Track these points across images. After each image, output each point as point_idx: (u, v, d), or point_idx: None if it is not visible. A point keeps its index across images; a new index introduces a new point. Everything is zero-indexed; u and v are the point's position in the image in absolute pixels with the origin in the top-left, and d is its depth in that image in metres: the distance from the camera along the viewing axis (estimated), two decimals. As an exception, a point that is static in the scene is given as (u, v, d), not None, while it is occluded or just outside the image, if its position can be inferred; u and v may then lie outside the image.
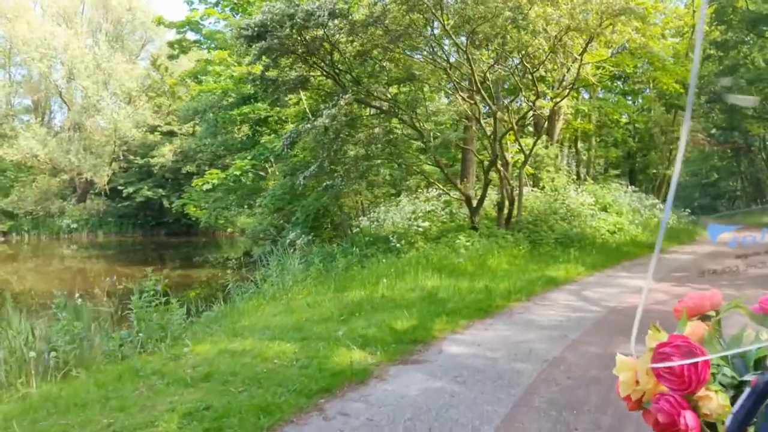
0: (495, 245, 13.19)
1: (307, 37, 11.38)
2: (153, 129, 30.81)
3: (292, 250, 12.05)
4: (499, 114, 13.97)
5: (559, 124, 22.68)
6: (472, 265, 11.14)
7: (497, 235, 13.83)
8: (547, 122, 22.66)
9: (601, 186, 19.03)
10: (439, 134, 13.58)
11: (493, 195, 15.38)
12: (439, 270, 10.59)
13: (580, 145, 27.28)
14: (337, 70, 12.03)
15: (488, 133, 13.98)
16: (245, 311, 8.40)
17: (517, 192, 15.13)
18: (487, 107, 15.68)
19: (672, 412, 0.82)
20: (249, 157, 17.97)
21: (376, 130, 12.33)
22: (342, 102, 10.78)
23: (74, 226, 32.00)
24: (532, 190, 17.04)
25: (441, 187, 14.37)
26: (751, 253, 0.94)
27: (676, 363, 0.81)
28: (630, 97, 34.63)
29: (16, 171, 32.32)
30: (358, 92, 11.39)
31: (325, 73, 12.29)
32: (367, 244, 13.11)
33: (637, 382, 0.90)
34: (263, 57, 11.59)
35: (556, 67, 17.50)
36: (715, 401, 0.81)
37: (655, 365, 0.85)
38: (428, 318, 6.62)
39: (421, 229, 12.73)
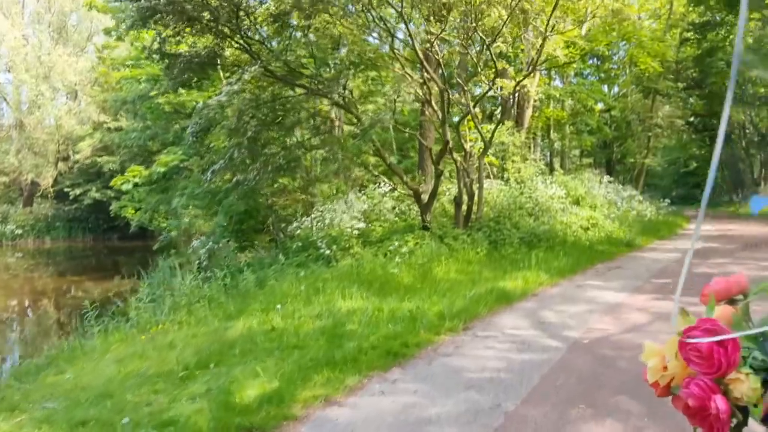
0: (446, 249, 11.05)
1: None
2: (99, 125, 28.24)
3: (199, 262, 9.81)
4: (451, 94, 11.81)
5: (529, 111, 20.59)
6: (412, 276, 8.98)
7: (452, 235, 11.69)
8: (516, 108, 20.65)
9: (573, 177, 16.94)
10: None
11: (454, 189, 13.26)
12: (368, 284, 8.42)
13: (553, 134, 25.24)
14: (249, 41, 9.77)
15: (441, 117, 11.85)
16: (90, 352, 6.16)
17: (478, 185, 13.02)
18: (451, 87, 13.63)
19: (702, 396, 0.79)
20: (179, 152, 15.65)
21: (302, 113, 10.09)
22: (246, 76, 8.55)
23: (19, 232, 29.37)
24: (496, 183, 14.92)
25: (387, 180, 12.19)
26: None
27: (704, 340, 0.78)
28: (606, 86, 32.77)
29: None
30: (268, 64, 9.12)
31: (237, 45, 10.03)
32: (296, 251, 10.91)
33: (665, 368, 0.87)
34: (156, 24, 9.32)
35: (518, 41, 15.40)
36: (746, 384, 0.78)
37: (686, 340, 0.82)
38: (299, 376, 4.42)
39: (356, 232, 10.54)
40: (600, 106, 30.91)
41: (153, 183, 15.32)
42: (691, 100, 30.03)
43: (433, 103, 11.75)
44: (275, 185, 11.94)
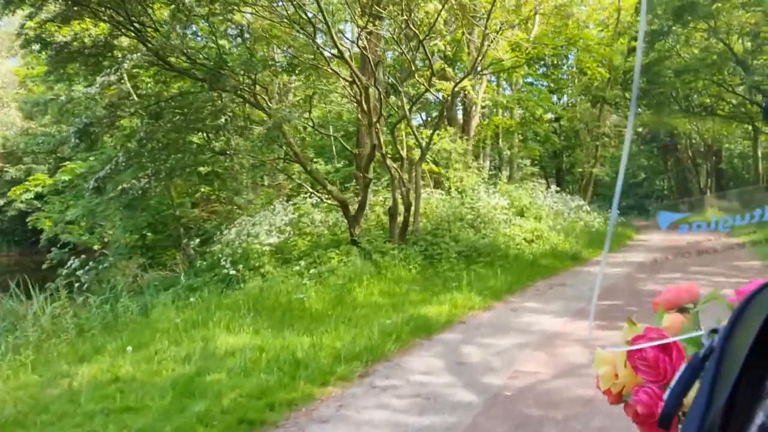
0: (374, 266, 9.80)
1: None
2: (24, 131, 26.00)
3: (80, 284, 8.28)
4: (382, 95, 10.59)
5: (476, 118, 19.61)
6: (324, 301, 7.66)
7: (382, 251, 10.44)
8: (462, 116, 19.64)
9: (518, 186, 15.93)
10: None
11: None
12: (269, 312, 7.08)
13: (501, 143, 24.36)
14: (141, 27, 8.33)
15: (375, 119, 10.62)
16: None
17: (415, 195, 11.82)
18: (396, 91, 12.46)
19: (650, 403, 0.80)
20: (91, 158, 14.00)
21: (206, 111, 8.67)
22: (126, 65, 7.14)
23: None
24: (436, 193, 13.76)
25: (311, 189, 10.88)
26: (702, 240, 0.96)
27: (646, 345, 0.81)
28: (555, 95, 32.25)
29: None
30: (159, 51, 7.67)
31: (131, 32, 8.57)
32: (202, 271, 9.49)
33: (617, 376, 0.88)
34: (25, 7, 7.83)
35: (463, 44, 14.35)
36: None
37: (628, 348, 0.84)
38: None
39: (267, 248, 9.17)
40: (550, 116, 30.39)
41: (59, 193, 13.61)
42: (639, 110, 29.64)
43: (363, 104, 10.51)
44: (193, 194, 10.45)
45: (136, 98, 9.52)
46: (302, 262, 9.62)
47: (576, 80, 27.61)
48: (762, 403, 0.54)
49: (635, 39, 26.73)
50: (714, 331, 0.73)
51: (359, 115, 11.36)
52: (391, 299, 8.11)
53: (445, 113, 14.10)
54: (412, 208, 11.66)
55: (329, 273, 9.04)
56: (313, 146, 17.14)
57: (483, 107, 22.82)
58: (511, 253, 12.04)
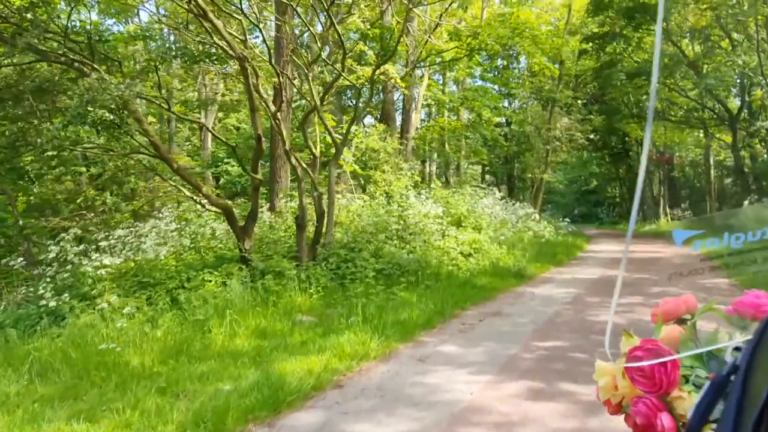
0: (262, 292, 7.52)
1: None
2: None
3: None
4: (290, 78, 8.34)
5: (416, 116, 17.56)
6: (154, 352, 5.33)
7: (279, 270, 8.18)
8: (402, 114, 17.59)
9: (454, 191, 13.84)
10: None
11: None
12: (68, 370, 4.74)
13: (447, 146, 22.40)
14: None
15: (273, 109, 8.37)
16: None
17: (328, 201, 9.62)
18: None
19: (649, 414, 0.82)
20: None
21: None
22: None
23: None
24: (358, 199, 11.57)
25: (187, 193, 8.53)
26: (714, 256, 0.95)
27: (644, 363, 0.82)
28: (507, 101, 30.62)
29: None
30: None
31: None
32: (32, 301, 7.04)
33: (616, 387, 0.89)
34: None
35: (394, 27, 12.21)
36: (689, 402, 0.81)
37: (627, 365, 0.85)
38: None
39: (104, 272, 6.76)
40: (502, 120, 28.66)
41: None
42: (591, 115, 28.16)
43: (260, 88, 8.23)
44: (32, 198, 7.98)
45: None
46: (172, 284, 7.30)
47: (527, 82, 25.96)
48: None
49: (587, 40, 25.22)
50: (737, 349, 0.75)
51: (258, 103, 9.09)
52: (260, 343, 5.85)
53: (366, 104, 11.95)
54: (325, 218, 9.48)
55: (191, 303, 6.72)
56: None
57: (425, 105, 20.84)
58: (443, 270, 9.94)
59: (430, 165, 24.07)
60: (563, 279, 10.98)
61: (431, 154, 22.89)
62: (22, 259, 6.96)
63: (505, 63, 28.28)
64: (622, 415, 0.89)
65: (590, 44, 25.30)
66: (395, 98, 16.62)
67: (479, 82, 25.82)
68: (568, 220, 19.69)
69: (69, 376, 4.62)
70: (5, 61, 6.29)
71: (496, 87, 26.52)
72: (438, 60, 14.26)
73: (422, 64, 14.63)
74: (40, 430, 3.65)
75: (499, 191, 18.92)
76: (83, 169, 11.07)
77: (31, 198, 8.69)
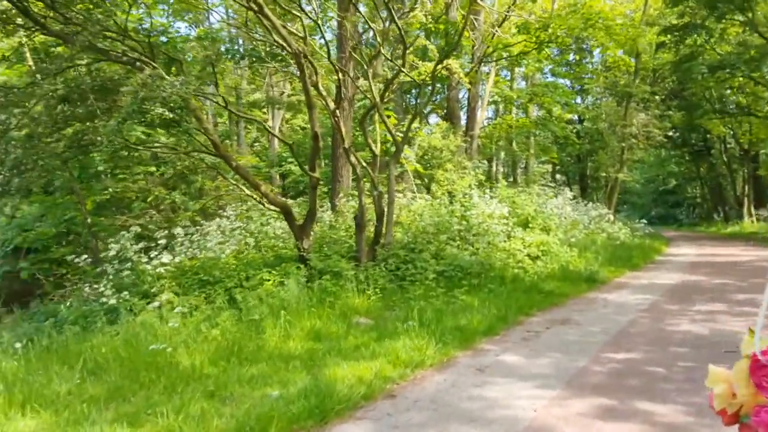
0: (318, 293, 7.34)
1: None
2: None
3: None
4: (351, 76, 8.14)
5: (481, 114, 17.04)
6: (207, 353, 5.21)
7: (336, 271, 7.99)
8: (468, 111, 17.10)
9: (521, 191, 13.23)
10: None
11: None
12: (116, 370, 4.70)
13: (515, 145, 21.69)
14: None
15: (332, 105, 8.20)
16: None
17: (387, 201, 9.37)
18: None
19: None
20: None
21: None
22: None
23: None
24: (421, 199, 11.24)
25: (247, 191, 8.48)
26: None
27: None
28: (580, 97, 29.45)
29: None
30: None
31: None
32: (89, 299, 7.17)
33: (734, 395, 0.81)
34: None
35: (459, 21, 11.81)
36: None
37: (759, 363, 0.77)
38: None
39: (163, 270, 6.77)
40: (574, 118, 27.55)
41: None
42: (670, 111, 26.54)
43: (319, 85, 8.08)
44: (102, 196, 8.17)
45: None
46: (230, 283, 7.27)
47: (600, 77, 24.78)
48: None
49: (665, 32, 23.72)
50: None
51: (319, 101, 8.94)
52: (313, 345, 5.65)
53: (426, 101, 11.59)
54: (384, 218, 9.23)
55: (247, 302, 6.62)
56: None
57: (492, 102, 20.22)
58: (508, 273, 9.47)
59: (497, 164, 23.42)
60: (639, 284, 10.26)
61: (498, 153, 22.25)
62: (86, 256, 7.08)
63: (578, 57, 27.18)
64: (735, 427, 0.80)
65: (669, 36, 23.76)
66: (460, 96, 16.16)
67: (550, 78, 24.95)
68: (645, 222, 18.62)
69: (119, 375, 4.56)
70: (67, 64, 6.40)
71: (567, 82, 25.52)
72: (505, 55, 13.73)
73: (489, 59, 14.14)
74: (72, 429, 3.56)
75: (571, 191, 18.11)
76: (153, 168, 11.31)
77: (105, 196, 8.89)
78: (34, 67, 7.48)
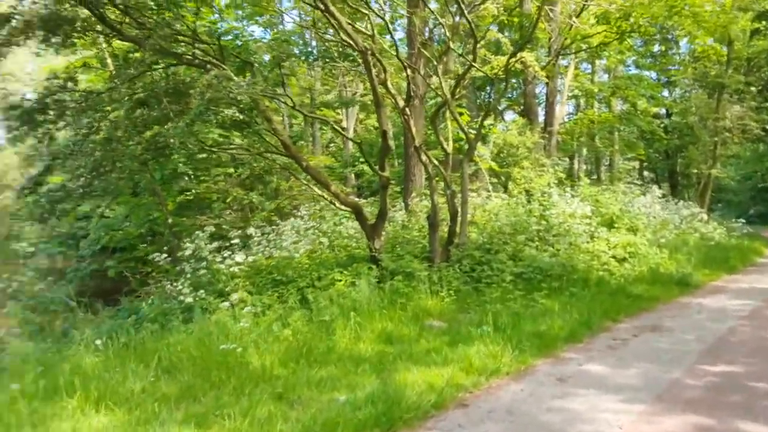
0: (389, 294, 7.17)
1: None
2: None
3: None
4: (421, 73, 7.96)
5: (561, 109, 16.37)
6: (277, 354, 5.15)
7: (409, 271, 7.80)
8: (546, 106, 16.45)
9: (605, 189, 12.48)
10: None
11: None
12: (190, 370, 4.72)
13: (597, 141, 20.69)
14: None
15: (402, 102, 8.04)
16: None
17: (461, 200, 9.09)
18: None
19: None
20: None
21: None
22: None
23: (31, 249, 27.30)
24: (496, 198, 10.85)
25: (319, 191, 8.45)
26: None
27: None
28: (667, 90, 27.75)
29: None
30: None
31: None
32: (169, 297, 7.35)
33: None
34: None
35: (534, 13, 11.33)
36: None
37: None
38: None
39: (237, 269, 6.82)
40: (660, 111, 25.99)
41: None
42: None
43: (388, 82, 7.93)
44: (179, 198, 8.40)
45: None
46: (302, 283, 7.25)
47: (689, 68, 23.20)
48: None
49: (760, 18, 21.84)
50: None
51: (388, 99, 8.79)
52: (384, 348, 5.49)
53: (500, 96, 11.17)
54: (458, 217, 8.95)
55: (319, 303, 6.55)
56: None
57: (572, 96, 19.39)
58: (592, 276, 8.92)
59: (579, 161, 22.46)
60: (738, 288, 9.43)
61: (580, 149, 21.32)
62: (165, 255, 7.27)
63: (663, 48, 25.63)
64: None
65: (764, 22, 21.85)
66: (537, 91, 15.57)
67: (633, 70, 23.67)
68: (743, 221, 17.19)
69: (191, 374, 4.57)
70: (143, 68, 6.61)
71: (653, 74, 24.08)
72: (584, 46, 13.06)
73: (566, 51, 13.50)
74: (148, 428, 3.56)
75: (660, 189, 17.04)
76: (232, 170, 11.59)
77: (188, 197, 9.16)
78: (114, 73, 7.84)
